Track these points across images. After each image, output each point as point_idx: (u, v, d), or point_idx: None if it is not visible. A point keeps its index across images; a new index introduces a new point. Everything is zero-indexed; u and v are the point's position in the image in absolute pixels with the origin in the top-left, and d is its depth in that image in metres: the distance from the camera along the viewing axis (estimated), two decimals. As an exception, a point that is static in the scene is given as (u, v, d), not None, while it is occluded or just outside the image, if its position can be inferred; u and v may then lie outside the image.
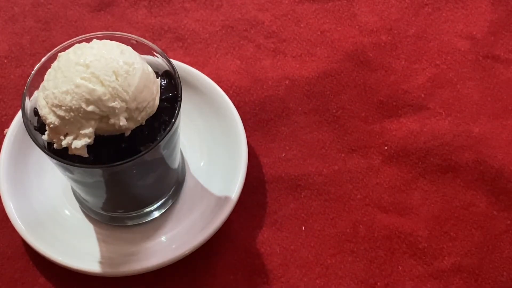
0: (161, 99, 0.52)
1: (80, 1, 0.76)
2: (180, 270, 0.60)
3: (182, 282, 0.60)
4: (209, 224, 0.59)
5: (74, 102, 0.47)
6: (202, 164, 0.64)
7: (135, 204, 0.61)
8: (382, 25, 0.74)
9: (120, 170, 0.51)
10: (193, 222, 0.61)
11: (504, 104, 0.69)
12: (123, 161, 0.49)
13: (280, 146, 0.67)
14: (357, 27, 0.74)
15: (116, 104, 0.48)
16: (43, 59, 0.53)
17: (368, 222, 0.63)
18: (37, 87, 0.52)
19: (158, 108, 0.51)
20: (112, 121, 0.48)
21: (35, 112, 0.52)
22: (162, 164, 0.57)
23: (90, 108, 0.47)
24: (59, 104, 0.48)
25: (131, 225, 0.61)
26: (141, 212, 0.61)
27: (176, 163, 0.60)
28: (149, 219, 0.62)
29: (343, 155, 0.66)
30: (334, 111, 0.69)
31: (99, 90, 0.47)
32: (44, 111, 0.49)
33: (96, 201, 0.60)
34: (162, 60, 0.54)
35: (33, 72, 0.52)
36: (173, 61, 0.55)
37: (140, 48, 0.53)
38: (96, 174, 0.53)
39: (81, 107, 0.47)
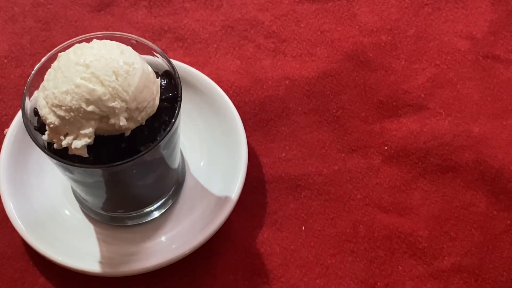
0: (161, 99, 0.52)
1: (80, 1, 0.76)
2: (180, 270, 0.60)
3: (182, 282, 0.60)
4: (209, 224, 0.59)
5: (74, 102, 0.47)
6: (202, 164, 0.64)
7: (135, 204, 0.61)
8: (382, 25, 0.74)
9: (120, 170, 0.51)
10: (193, 222, 0.61)
11: (504, 104, 0.69)
12: (123, 161, 0.49)
13: (280, 146, 0.67)
14: (357, 27, 0.74)
15: (116, 104, 0.48)
16: (43, 59, 0.53)
17: (368, 222, 0.63)
18: (37, 87, 0.52)
19: (158, 108, 0.51)
20: (112, 121, 0.48)
21: (35, 112, 0.52)
22: (162, 164, 0.57)
23: (90, 108, 0.47)
24: (59, 104, 0.48)
25: (131, 225, 0.61)
26: (141, 212, 0.61)
27: (176, 163, 0.60)
28: (149, 219, 0.62)
29: (343, 155, 0.66)
30: (334, 111, 0.69)
31: (99, 90, 0.47)
32: (44, 111, 0.49)
33: (96, 201, 0.60)
34: (162, 60, 0.54)
35: (33, 72, 0.52)
36: (173, 61, 0.55)
37: (140, 48, 0.53)
38: (96, 174, 0.53)
39: (81, 107, 0.47)
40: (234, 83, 0.70)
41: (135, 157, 0.49)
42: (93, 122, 0.48)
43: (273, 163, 0.66)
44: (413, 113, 0.68)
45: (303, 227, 0.63)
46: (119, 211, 0.61)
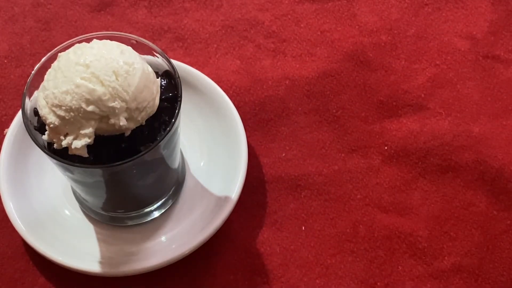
0: (161, 99, 0.52)
1: (80, 1, 0.76)
2: (180, 270, 0.60)
3: (182, 282, 0.60)
4: (209, 224, 0.59)
5: (74, 102, 0.47)
6: (202, 164, 0.64)
7: (135, 204, 0.61)
8: (382, 25, 0.74)
9: (120, 170, 0.51)
10: (193, 222, 0.61)
11: (504, 104, 0.69)
12: (123, 161, 0.49)
13: (280, 146, 0.67)
14: (357, 27, 0.74)
15: (116, 104, 0.48)
16: (43, 59, 0.53)
17: (368, 222, 0.63)
18: (37, 87, 0.52)
19: (158, 108, 0.51)
20: (112, 121, 0.48)
21: (35, 112, 0.52)
22: (162, 164, 0.57)
23: (90, 108, 0.47)
24: (59, 104, 0.48)
25: (131, 225, 0.61)
26: (141, 212, 0.61)
27: (176, 163, 0.60)
28: (149, 219, 0.62)
29: (343, 155, 0.66)
30: (334, 111, 0.69)
31: (99, 90, 0.47)
32: (44, 111, 0.49)
33: (96, 201, 0.60)
34: (162, 60, 0.54)
35: (33, 72, 0.52)
36: (173, 61, 0.55)
37: (140, 48, 0.53)
38: (96, 174, 0.53)
39: (81, 107, 0.47)
40: (234, 83, 0.70)
41: (135, 157, 0.49)
42: (93, 122, 0.48)
43: (273, 163, 0.66)
44: (413, 113, 0.68)
45: (303, 227, 0.63)
46: (119, 211, 0.61)
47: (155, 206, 0.61)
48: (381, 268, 0.61)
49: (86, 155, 0.49)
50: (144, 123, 0.51)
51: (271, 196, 0.64)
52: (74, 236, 0.60)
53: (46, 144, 0.51)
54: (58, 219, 0.61)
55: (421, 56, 0.72)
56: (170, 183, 0.62)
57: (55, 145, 0.49)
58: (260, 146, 0.67)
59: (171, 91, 0.53)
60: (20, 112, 0.61)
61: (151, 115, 0.51)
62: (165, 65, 0.54)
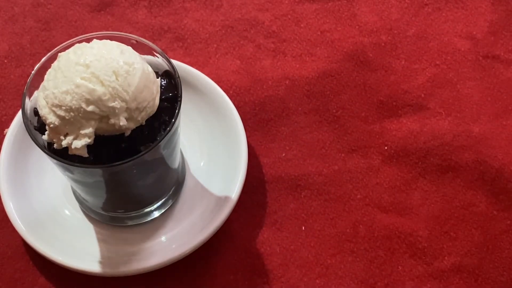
0: (161, 99, 0.52)
1: (80, 1, 0.76)
2: (180, 270, 0.60)
3: (182, 282, 0.60)
4: (209, 224, 0.59)
5: (74, 102, 0.47)
6: (202, 164, 0.64)
7: (135, 204, 0.61)
8: (382, 25, 0.74)
9: (120, 170, 0.51)
10: (193, 222, 0.61)
11: (504, 104, 0.69)
12: (123, 161, 0.49)
13: (280, 146, 0.67)
14: (357, 27, 0.74)
15: (116, 104, 0.48)
16: (43, 59, 0.53)
17: (368, 222, 0.63)
18: (37, 87, 0.52)
19: (158, 108, 0.51)
20: (112, 121, 0.48)
21: (35, 112, 0.52)
22: (162, 164, 0.57)
23: (90, 108, 0.47)
24: (59, 104, 0.48)
25: (131, 225, 0.61)
26: (141, 212, 0.61)
27: (176, 163, 0.60)
28: (149, 219, 0.62)
29: (343, 155, 0.66)
30: (334, 111, 0.69)
31: (99, 90, 0.47)
32: (44, 111, 0.49)
33: (96, 201, 0.60)
34: (162, 60, 0.54)
35: (33, 72, 0.52)
36: (173, 61, 0.55)
37: (140, 48, 0.53)
38: (96, 174, 0.53)
39: (81, 107, 0.47)
40: (234, 83, 0.70)
41: (135, 157, 0.49)
42: (93, 122, 0.48)
43: (273, 163, 0.66)
44: (413, 113, 0.68)
45: (303, 227, 0.63)
46: (119, 211, 0.61)
47: (155, 206, 0.61)
48: (381, 268, 0.61)
49: (86, 155, 0.49)
50: (144, 123, 0.51)
51: (271, 196, 0.64)
52: (74, 236, 0.60)
53: (46, 144, 0.51)
54: (58, 219, 0.61)
55: (421, 56, 0.72)
56: (170, 183, 0.62)
57: (55, 145, 0.49)
58: (260, 146, 0.67)
59: (171, 91, 0.53)
60: (20, 112, 0.61)
61: (151, 115, 0.51)
62: (165, 65, 0.54)
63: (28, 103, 0.52)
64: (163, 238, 0.60)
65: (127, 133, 0.50)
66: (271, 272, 0.60)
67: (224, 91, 0.66)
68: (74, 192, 0.62)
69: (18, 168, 0.62)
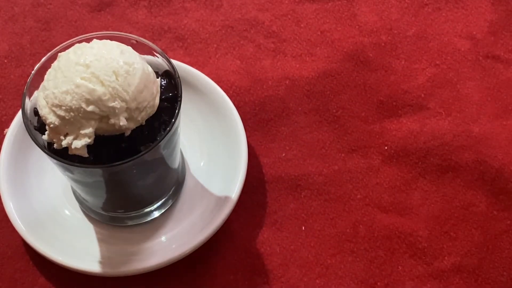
0: (161, 99, 0.52)
1: (80, 1, 0.76)
2: (180, 270, 0.60)
3: (182, 282, 0.60)
4: (209, 224, 0.59)
5: (74, 102, 0.47)
6: (202, 164, 0.64)
7: (135, 204, 0.61)
8: (382, 25, 0.74)
9: (120, 170, 0.51)
10: (193, 222, 0.61)
11: (504, 104, 0.69)
12: (123, 161, 0.49)
13: (280, 146, 0.67)
14: (357, 27, 0.74)
15: (116, 104, 0.48)
16: (43, 59, 0.53)
17: (368, 222, 0.63)
18: (37, 87, 0.52)
19: (158, 108, 0.51)
20: (112, 121, 0.48)
21: (35, 112, 0.52)
22: (162, 164, 0.57)
23: (90, 108, 0.47)
24: (59, 104, 0.48)
25: (131, 225, 0.61)
26: (141, 212, 0.61)
27: (176, 163, 0.60)
28: (149, 219, 0.62)
29: (343, 155, 0.66)
30: (334, 111, 0.69)
31: (99, 90, 0.47)
32: (44, 111, 0.49)
33: (96, 201, 0.60)
34: (162, 60, 0.54)
35: (33, 72, 0.52)
36: (173, 61, 0.55)
37: (140, 48, 0.53)
38: (96, 174, 0.53)
39: (81, 107, 0.47)
40: (234, 83, 0.70)
41: (135, 157, 0.49)
42: (93, 122, 0.48)
43: (273, 163, 0.66)
44: (413, 113, 0.68)
45: (303, 227, 0.63)
46: (119, 211, 0.61)
47: (155, 206, 0.61)
48: (381, 268, 0.61)
49: (86, 155, 0.49)
50: (144, 123, 0.51)
51: (271, 196, 0.64)
52: (74, 236, 0.60)
53: (46, 144, 0.51)
54: (58, 219, 0.61)
55: (421, 56, 0.72)
56: (170, 183, 0.62)
57: (55, 145, 0.49)
58: (260, 146, 0.67)
59: (171, 91, 0.53)
60: (20, 112, 0.61)
61: (151, 115, 0.51)
62: (165, 65, 0.54)
63: (28, 103, 0.52)
64: (163, 238, 0.60)
65: (127, 133, 0.50)
66: (271, 272, 0.60)
67: (224, 91, 0.66)
68: (74, 192, 0.62)
69: (18, 168, 0.62)
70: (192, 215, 0.61)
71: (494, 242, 0.62)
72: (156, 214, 0.62)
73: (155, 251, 0.59)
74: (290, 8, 0.75)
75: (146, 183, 0.57)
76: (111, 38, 0.52)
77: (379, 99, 0.69)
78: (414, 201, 0.64)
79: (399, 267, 0.61)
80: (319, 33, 0.74)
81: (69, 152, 0.49)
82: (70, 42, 0.53)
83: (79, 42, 0.52)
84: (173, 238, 0.60)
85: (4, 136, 0.63)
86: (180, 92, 0.53)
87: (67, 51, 0.51)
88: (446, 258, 0.61)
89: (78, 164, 0.49)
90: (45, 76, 0.50)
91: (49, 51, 0.53)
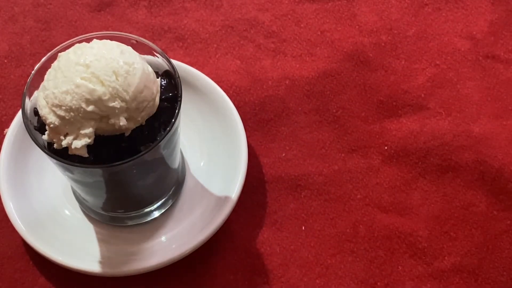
0: (161, 99, 0.52)
1: (80, 1, 0.76)
2: (180, 270, 0.60)
3: (182, 282, 0.60)
4: (209, 224, 0.59)
5: (74, 102, 0.47)
6: (202, 164, 0.64)
7: (135, 204, 0.61)
8: (382, 25, 0.74)
9: (120, 170, 0.51)
10: (193, 222, 0.61)
11: (504, 104, 0.69)
12: (123, 161, 0.49)
13: (280, 146, 0.67)
14: (357, 27, 0.74)
15: (116, 104, 0.48)
16: (43, 59, 0.53)
17: (368, 222, 0.63)
18: (37, 87, 0.52)
19: (158, 108, 0.51)
20: (112, 121, 0.48)
21: (35, 112, 0.52)
22: (162, 164, 0.57)
23: (90, 108, 0.47)
24: (59, 104, 0.48)
25: (131, 225, 0.61)
26: (141, 212, 0.61)
27: (176, 163, 0.60)
28: (149, 219, 0.62)
29: (343, 155, 0.66)
30: (334, 111, 0.69)
31: (99, 90, 0.47)
32: (44, 111, 0.49)
33: (96, 201, 0.60)
34: (162, 60, 0.54)
35: (33, 72, 0.52)
36: (173, 61, 0.55)
37: (140, 48, 0.53)
38: (96, 174, 0.53)
39: (81, 107, 0.47)
40: (234, 83, 0.70)
41: (135, 157, 0.49)
42: (93, 122, 0.48)
43: (273, 163, 0.66)
44: (413, 113, 0.68)
45: (303, 227, 0.63)
46: (119, 211, 0.61)
47: (155, 206, 0.61)
48: (381, 268, 0.61)
49: (86, 155, 0.49)
50: (144, 123, 0.51)
51: (271, 196, 0.64)
52: (74, 236, 0.60)
53: (46, 144, 0.51)
54: (58, 219, 0.61)
55: (421, 56, 0.72)
56: (170, 183, 0.62)
57: (55, 145, 0.49)
58: (260, 146, 0.67)
59: (171, 91, 0.53)
60: (20, 112, 0.61)
61: (151, 115, 0.51)
62: (165, 65, 0.54)
63: (28, 103, 0.52)
64: (163, 238, 0.60)
65: (127, 133, 0.50)
66: (271, 272, 0.60)
67: (224, 91, 0.66)
68: (74, 192, 0.62)
69: (18, 168, 0.62)
70: (192, 215, 0.61)
71: (494, 242, 0.62)
72: (156, 214, 0.62)
73: (155, 251, 0.59)
74: (290, 8, 0.75)
75: (146, 183, 0.57)
76: (111, 38, 0.52)
77: (379, 99, 0.69)
78: (414, 201, 0.64)
79: (399, 267, 0.61)
80: (319, 33, 0.74)
81: (69, 152, 0.49)
82: (70, 42, 0.53)
83: (79, 42, 0.52)
84: (173, 238, 0.60)
85: (4, 136, 0.63)
86: (180, 92, 0.53)
87: (67, 51, 0.51)
88: (446, 258, 0.61)
89: (78, 164, 0.49)
90: (45, 76, 0.50)
91: (49, 51, 0.53)
